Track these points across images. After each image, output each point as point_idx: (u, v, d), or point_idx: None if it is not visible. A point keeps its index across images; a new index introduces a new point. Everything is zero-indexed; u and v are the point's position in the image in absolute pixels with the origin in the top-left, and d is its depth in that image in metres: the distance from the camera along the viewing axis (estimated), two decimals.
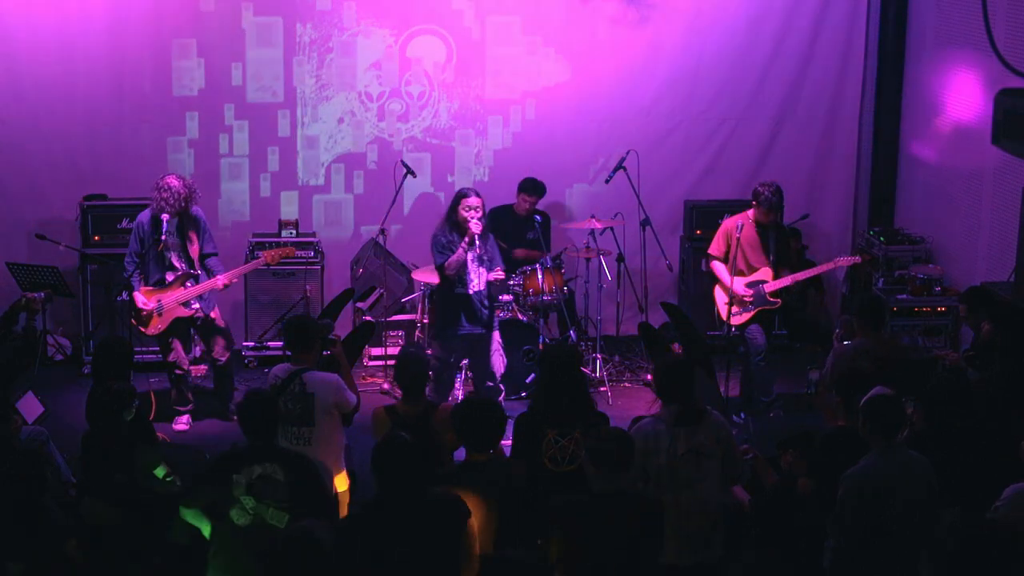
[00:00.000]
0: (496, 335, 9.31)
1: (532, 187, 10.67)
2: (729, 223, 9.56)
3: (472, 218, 8.70)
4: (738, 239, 9.37)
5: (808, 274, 9.73)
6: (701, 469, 6.05)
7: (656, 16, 11.50)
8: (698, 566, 6.11)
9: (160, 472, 6.82)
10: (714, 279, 9.70)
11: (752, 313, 9.53)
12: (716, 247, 9.64)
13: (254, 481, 5.71)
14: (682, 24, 11.56)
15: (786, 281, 9.55)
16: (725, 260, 9.52)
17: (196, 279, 9.21)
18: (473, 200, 8.77)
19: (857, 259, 10.21)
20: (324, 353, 7.30)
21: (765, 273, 9.53)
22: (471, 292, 8.85)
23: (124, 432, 6.86)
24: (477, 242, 8.72)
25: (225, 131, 11.33)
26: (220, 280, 9.20)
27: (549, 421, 6.41)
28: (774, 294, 9.52)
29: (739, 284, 9.46)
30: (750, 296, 9.48)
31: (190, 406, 9.57)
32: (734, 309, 9.39)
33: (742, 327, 9.53)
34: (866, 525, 5.79)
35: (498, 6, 11.41)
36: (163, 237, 9.05)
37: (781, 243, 9.65)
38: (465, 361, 9.46)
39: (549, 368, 6.72)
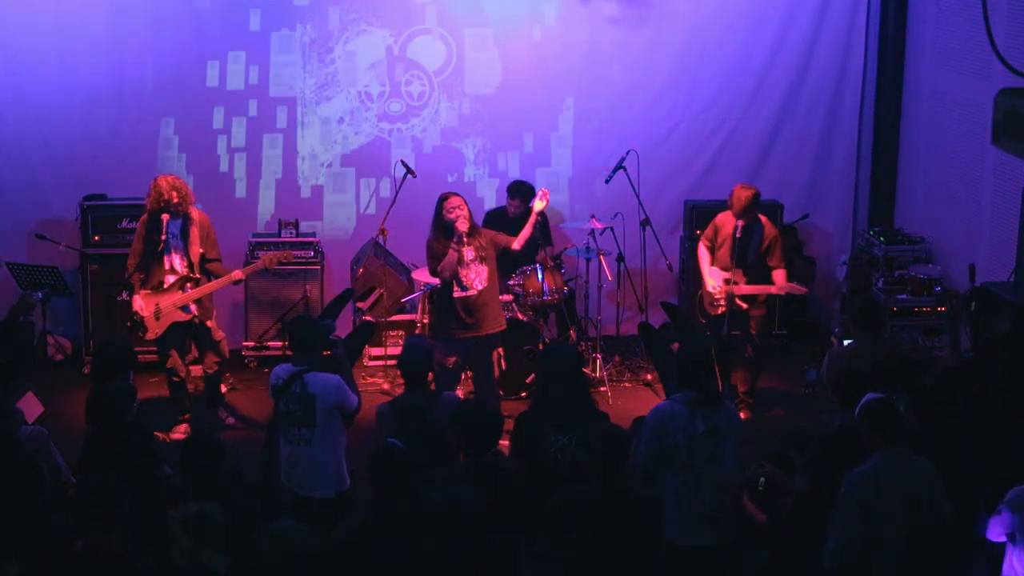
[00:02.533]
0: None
1: (516, 189, 10.56)
2: (721, 217, 9.55)
3: (458, 217, 8.66)
4: (723, 234, 9.38)
5: (762, 290, 9.41)
6: (720, 446, 6.12)
7: (656, 16, 11.50)
8: (713, 546, 6.14)
9: None
10: None
11: (725, 308, 9.46)
12: (706, 232, 9.67)
13: (189, 518, 5.68)
14: (682, 24, 11.56)
15: (746, 290, 9.36)
16: (711, 247, 9.54)
17: (196, 283, 9.18)
18: (454, 200, 8.70)
19: (804, 290, 9.76)
20: (324, 353, 7.29)
21: (739, 275, 9.45)
22: (472, 293, 8.81)
23: (124, 432, 6.84)
24: (465, 240, 8.70)
25: (224, 131, 11.32)
26: (236, 273, 9.22)
27: (549, 421, 6.41)
28: (742, 298, 9.44)
29: (717, 275, 9.44)
30: (721, 292, 9.40)
31: (188, 415, 9.49)
32: (714, 300, 9.40)
33: (719, 319, 9.47)
34: (867, 525, 5.80)
35: (498, 6, 11.41)
36: (163, 237, 9.02)
37: (753, 246, 9.42)
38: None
39: (549, 368, 6.72)
